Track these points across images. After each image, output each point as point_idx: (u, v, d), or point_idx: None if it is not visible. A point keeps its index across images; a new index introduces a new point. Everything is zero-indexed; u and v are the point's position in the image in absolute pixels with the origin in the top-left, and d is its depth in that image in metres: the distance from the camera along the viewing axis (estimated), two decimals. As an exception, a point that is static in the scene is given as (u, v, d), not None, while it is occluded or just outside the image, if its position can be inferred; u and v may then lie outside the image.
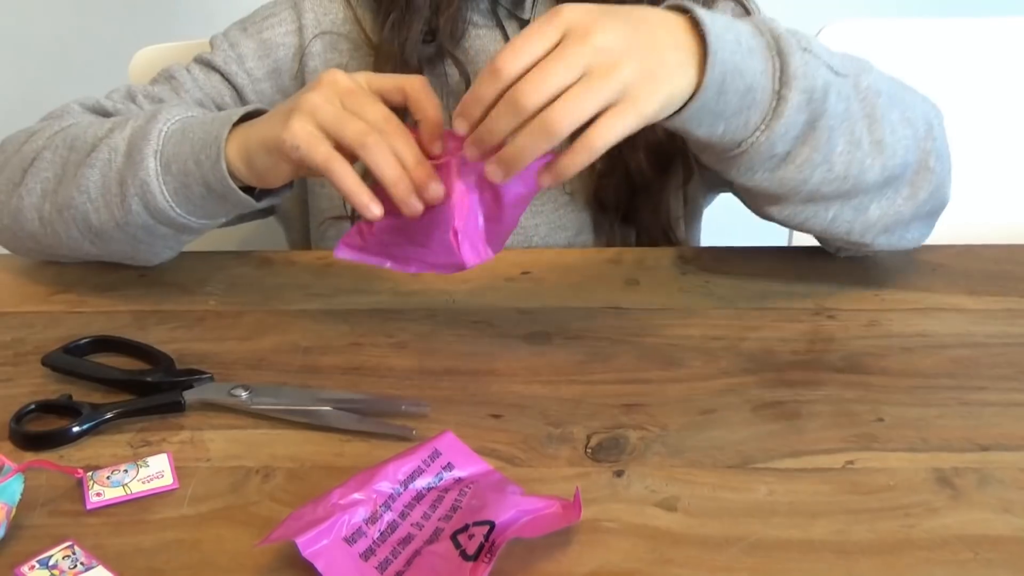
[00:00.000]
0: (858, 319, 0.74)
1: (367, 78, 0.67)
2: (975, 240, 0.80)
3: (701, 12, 0.62)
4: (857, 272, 0.81)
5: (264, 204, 0.74)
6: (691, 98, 0.62)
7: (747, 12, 0.89)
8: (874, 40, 1.11)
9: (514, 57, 0.57)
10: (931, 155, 0.73)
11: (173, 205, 0.72)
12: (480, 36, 0.90)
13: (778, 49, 0.65)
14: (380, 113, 0.65)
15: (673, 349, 0.71)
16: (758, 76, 0.64)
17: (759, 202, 0.73)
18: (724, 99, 0.63)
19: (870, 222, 0.73)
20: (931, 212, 0.76)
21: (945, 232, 0.82)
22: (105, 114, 0.84)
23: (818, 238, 0.79)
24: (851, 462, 0.60)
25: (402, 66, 0.86)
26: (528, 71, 0.57)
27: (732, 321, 0.74)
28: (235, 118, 0.71)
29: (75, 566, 0.53)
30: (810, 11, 1.13)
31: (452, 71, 0.89)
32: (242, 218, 0.98)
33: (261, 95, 0.90)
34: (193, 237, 0.79)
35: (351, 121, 0.64)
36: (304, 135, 0.64)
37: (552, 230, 0.91)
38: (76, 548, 0.54)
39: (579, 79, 0.57)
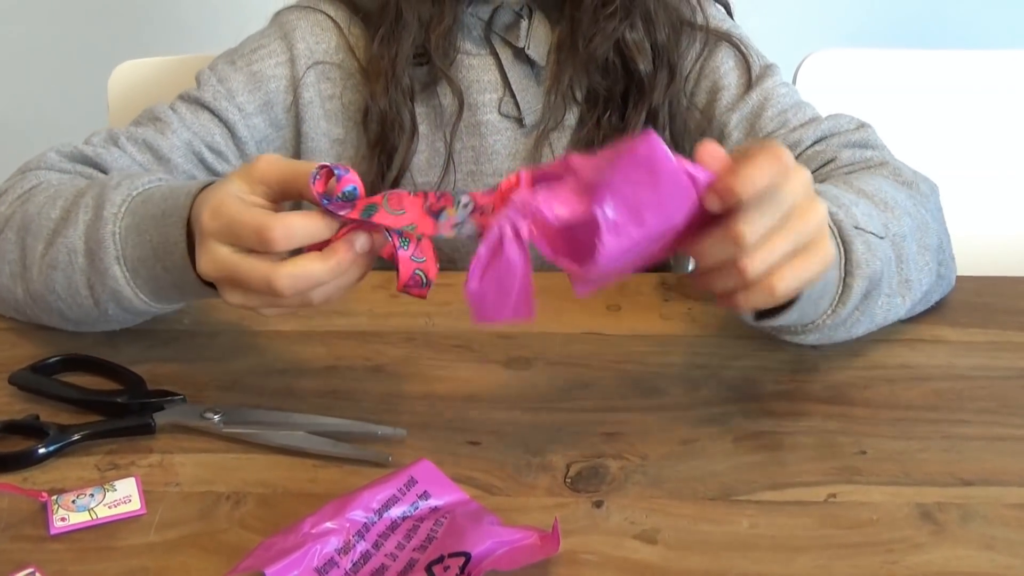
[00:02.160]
0: (841, 349, 0.74)
1: (246, 191, 0.59)
2: (961, 269, 0.80)
3: None
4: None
5: None
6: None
7: (746, 61, 0.88)
8: (854, 70, 1.12)
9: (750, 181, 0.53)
10: (942, 265, 0.76)
11: (150, 302, 0.68)
12: (472, 66, 0.88)
13: (842, 237, 0.66)
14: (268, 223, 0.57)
15: (654, 377, 0.71)
16: (831, 268, 0.63)
17: (794, 341, 0.72)
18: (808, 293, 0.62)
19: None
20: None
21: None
22: (86, 161, 0.80)
23: None
24: (833, 495, 0.59)
25: (394, 85, 0.85)
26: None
27: (714, 349, 0.73)
28: (184, 216, 0.63)
29: (36, 594, 0.51)
30: (792, 41, 1.13)
31: (446, 100, 0.87)
32: None
33: (253, 130, 0.87)
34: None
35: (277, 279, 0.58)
36: (257, 305, 0.61)
37: None
38: (38, 575, 0.52)
39: (782, 217, 0.54)
